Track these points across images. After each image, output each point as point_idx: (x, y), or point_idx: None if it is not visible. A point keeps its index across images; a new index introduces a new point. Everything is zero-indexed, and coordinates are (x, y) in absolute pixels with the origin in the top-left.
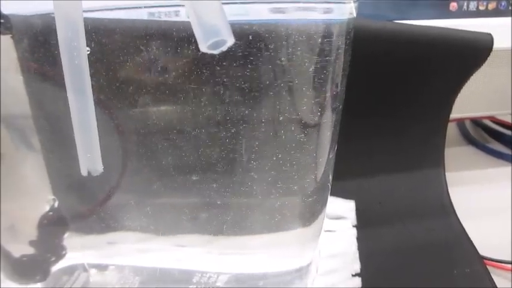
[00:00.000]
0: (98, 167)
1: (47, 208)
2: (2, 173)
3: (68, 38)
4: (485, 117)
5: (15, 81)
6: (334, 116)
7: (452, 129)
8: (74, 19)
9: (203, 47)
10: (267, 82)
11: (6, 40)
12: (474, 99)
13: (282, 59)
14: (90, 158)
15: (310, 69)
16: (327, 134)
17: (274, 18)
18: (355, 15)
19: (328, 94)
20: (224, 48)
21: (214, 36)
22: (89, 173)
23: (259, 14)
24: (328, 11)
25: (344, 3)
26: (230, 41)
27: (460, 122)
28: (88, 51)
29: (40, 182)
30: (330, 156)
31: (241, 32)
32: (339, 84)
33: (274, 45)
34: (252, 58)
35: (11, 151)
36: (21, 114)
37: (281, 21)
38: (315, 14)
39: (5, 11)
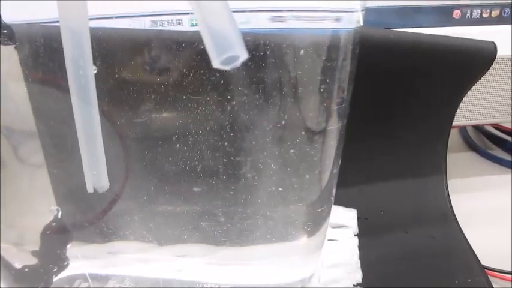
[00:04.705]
0: (104, 184)
1: (50, 218)
2: (4, 182)
3: (74, 57)
4: (488, 124)
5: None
6: (340, 126)
7: (454, 136)
8: (80, 37)
9: (216, 63)
10: (273, 91)
11: (6, 50)
12: (476, 106)
13: (289, 68)
14: (96, 175)
15: (317, 79)
16: (332, 144)
17: (281, 27)
18: (361, 23)
19: (334, 104)
20: (237, 64)
21: (227, 52)
22: (94, 189)
23: (263, 23)
24: (336, 20)
25: (352, 11)
26: (243, 56)
27: (462, 128)
28: (95, 70)
29: (43, 192)
30: (334, 171)
31: (249, 40)
32: (345, 93)
33: (281, 55)
34: (258, 67)
35: (14, 160)
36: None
37: (288, 30)
38: (324, 23)
39: (7, 21)
